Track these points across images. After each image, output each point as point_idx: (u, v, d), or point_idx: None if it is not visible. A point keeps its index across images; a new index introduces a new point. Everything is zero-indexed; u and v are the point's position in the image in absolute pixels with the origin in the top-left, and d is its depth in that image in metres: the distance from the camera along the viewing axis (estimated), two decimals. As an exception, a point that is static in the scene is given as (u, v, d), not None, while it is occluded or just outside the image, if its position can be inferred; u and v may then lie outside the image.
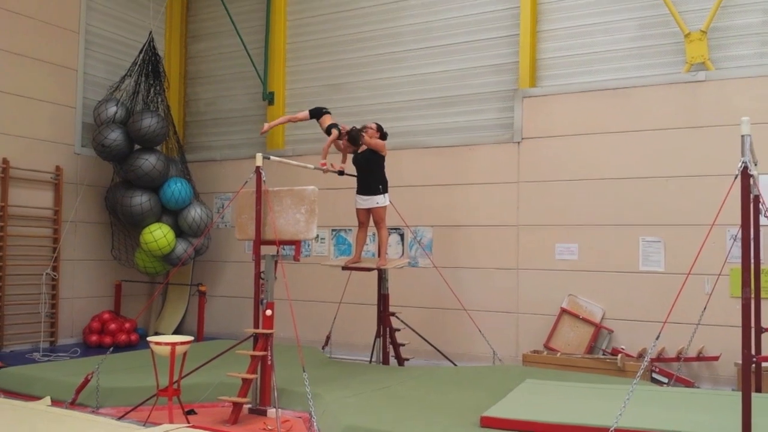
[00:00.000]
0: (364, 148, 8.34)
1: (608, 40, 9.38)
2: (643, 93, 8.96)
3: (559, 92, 9.52)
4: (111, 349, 7.74)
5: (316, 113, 8.61)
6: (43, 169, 10.48)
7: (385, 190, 8.33)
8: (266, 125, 8.83)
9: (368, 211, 8.39)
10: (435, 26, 10.55)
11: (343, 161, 8.58)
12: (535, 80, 9.80)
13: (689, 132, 8.63)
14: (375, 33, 11.03)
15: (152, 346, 6.15)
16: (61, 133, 10.86)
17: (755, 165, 5.31)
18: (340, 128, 8.23)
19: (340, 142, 8.29)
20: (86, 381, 6.68)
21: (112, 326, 10.66)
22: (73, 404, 6.68)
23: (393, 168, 8.96)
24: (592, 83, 9.36)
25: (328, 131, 8.29)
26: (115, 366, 7.66)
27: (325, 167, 8.17)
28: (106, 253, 11.43)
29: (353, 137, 8.12)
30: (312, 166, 8.21)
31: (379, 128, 8.56)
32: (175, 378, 6.07)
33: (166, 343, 6.06)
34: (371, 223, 8.49)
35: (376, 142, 8.33)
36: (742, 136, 4.67)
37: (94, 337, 10.59)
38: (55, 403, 6.77)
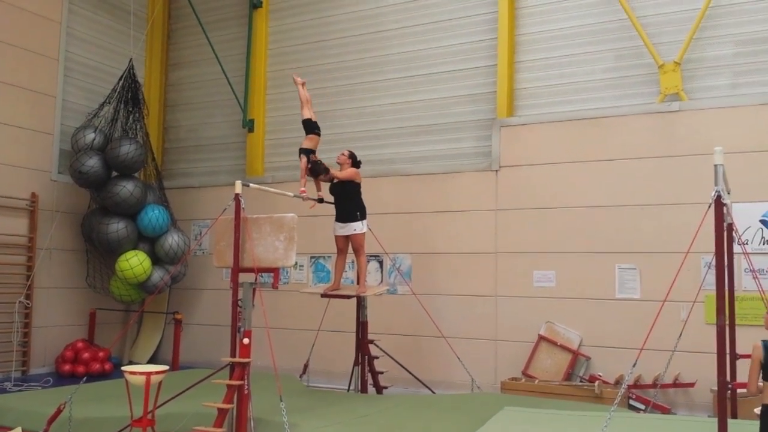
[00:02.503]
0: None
1: (584, 71, 9.56)
2: (619, 123, 9.11)
3: (536, 122, 9.66)
4: (84, 378, 7.61)
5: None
6: (18, 195, 10.37)
7: (362, 217, 8.35)
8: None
9: (347, 238, 8.40)
10: (415, 56, 10.68)
11: (318, 189, 8.56)
12: (513, 110, 9.93)
13: (664, 161, 8.77)
14: (355, 62, 11.14)
15: (127, 375, 6.05)
16: (37, 160, 10.77)
17: (728, 194, 5.40)
18: (311, 157, 8.24)
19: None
20: (59, 411, 6.54)
21: (86, 355, 10.50)
22: (45, 435, 6.54)
23: (373, 195, 8.99)
24: (568, 113, 9.50)
25: (299, 154, 8.33)
26: (88, 396, 7.50)
27: (304, 194, 8.17)
28: (81, 281, 11.28)
29: (312, 170, 8.20)
30: (291, 194, 8.20)
31: (352, 155, 8.56)
32: (150, 408, 5.98)
33: (141, 373, 5.96)
34: (350, 250, 8.49)
35: (345, 173, 8.35)
36: (715, 165, 4.76)
37: (67, 367, 10.41)
38: (26, 433, 6.63)
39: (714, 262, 4.73)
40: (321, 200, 8.51)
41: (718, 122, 8.52)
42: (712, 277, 5.27)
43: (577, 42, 9.61)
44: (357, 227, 8.29)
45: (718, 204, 4.70)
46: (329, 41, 11.40)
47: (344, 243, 8.47)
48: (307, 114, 8.55)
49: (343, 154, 8.56)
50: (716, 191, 4.70)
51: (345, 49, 11.25)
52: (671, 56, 8.96)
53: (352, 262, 9.12)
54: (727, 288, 5.28)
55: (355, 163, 8.55)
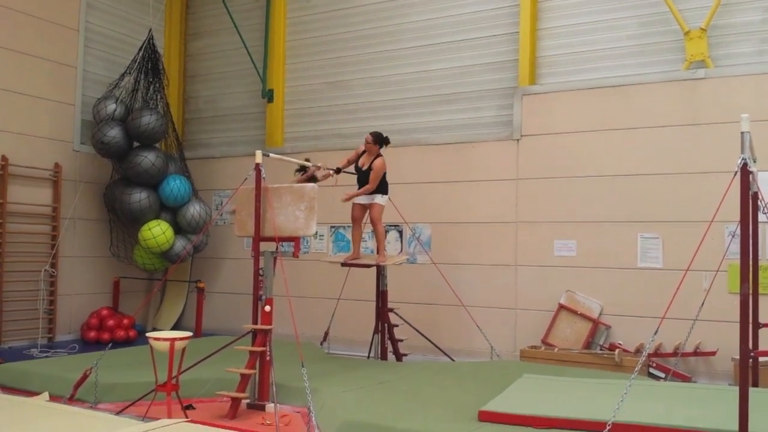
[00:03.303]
0: (365, 162, 8.30)
1: (608, 37, 9.39)
2: (643, 90, 8.97)
3: (559, 90, 9.54)
4: (109, 345, 7.74)
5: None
6: (42, 166, 10.47)
7: (384, 193, 8.37)
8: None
9: (364, 207, 8.42)
10: (435, 24, 10.56)
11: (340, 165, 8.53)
12: (535, 78, 9.81)
13: (689, 129, 8.65)
14: (375, 31, 11.04)
15: (151, 341, 6.15)
16: (60, 131, 10.85)
17: (754, 162, 5.32)
18: (308, 168, 8.37)
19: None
20: (85, 376, 6.70)
21: (111, 322, 10.67)
22: (72, 399, 6.68)
23: (393, 165, 8.96)
24: (591, 81, 9.37)
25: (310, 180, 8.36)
26: (113, 362, 7.65)
27: (321, 166, 8.20)
28: (105, 250, 11.43)
29: (305, 174, 8.44)
30: (311, 164, 8.23)
31: (377, 138, 8.28)
32: (174, 373, 6.08)
33: (166, 339, 6.06)
34: (366, 219, 8.52)
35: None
36: (742, 133, 4.67)
37: (92, 333, 10.59)
38: (54, 398, 6.74)
39: (738, 231, 4.67)
40: (338, 170, 8.49)
41: (745, 89, 8.36)
42: (735, 246, 5.21)
43: (601, 8, 9.43)
44: (377, 198, 8.30)
45: (744, 172, 4.61)
46: (348, 9, 11.29)
47: (360, 212, 8.48)
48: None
49: (368, 141, 8.28)
50: (742, 159, 4.61)
51: (364, 17, 11.15)
52: (697, 23, 8.77)
53: (371, 231, 9.15)
54: (751, 257, 5.24)
55: (382, 142, 8.34)
